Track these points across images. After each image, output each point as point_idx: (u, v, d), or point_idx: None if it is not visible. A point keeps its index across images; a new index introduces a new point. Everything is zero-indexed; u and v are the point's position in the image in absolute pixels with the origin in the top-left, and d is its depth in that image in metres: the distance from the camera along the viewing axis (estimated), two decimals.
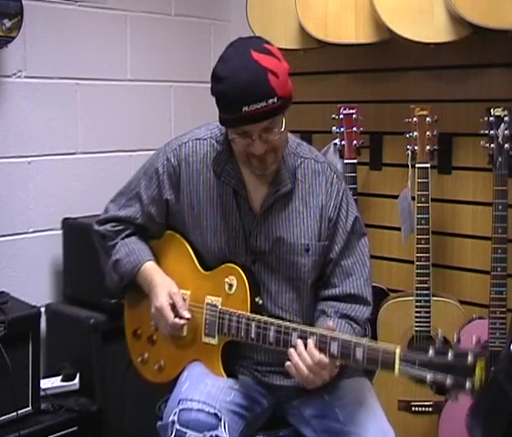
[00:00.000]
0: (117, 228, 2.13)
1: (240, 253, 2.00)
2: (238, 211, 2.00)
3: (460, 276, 2.97)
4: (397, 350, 1.72)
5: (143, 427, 2.68)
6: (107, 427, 2.68)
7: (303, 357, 1.80)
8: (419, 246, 2.68)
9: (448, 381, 1.66)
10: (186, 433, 1.79)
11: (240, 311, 1.93)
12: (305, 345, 1.81)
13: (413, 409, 2.75)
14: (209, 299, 1.99)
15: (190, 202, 2.03)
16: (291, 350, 1.82)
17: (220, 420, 1.82)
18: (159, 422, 1.92)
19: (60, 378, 2.70)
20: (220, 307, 1.97)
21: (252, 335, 1.90)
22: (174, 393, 1.93)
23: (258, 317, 1.91)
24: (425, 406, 2.74)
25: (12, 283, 2.79)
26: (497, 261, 2.54)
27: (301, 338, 1.83)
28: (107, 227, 2.14)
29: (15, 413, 2.41)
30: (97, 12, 3.08)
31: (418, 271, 2.68)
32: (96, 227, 2.17)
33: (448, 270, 2.99)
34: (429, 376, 1.68)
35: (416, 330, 2.72)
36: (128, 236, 2.12)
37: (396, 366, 1.71)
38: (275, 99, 1.79)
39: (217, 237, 2.01)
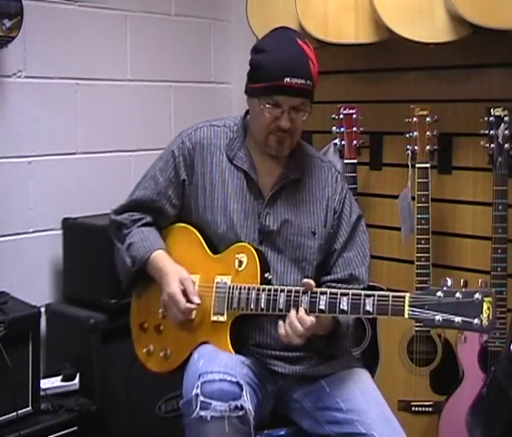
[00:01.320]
0: (134, 218, 2.17)
1: (249, 233, 2.06)
2: (248, 192, 2.08)
3: (460, 276, 2.96)
4: (407, 296, 1.77)
5: (143, 427, 2.69)
6: (107, 427, 2.68)
7: (294, 326, 1.87)
8: (419, 246, 2.68)
9: (457, 320, 1.70)
10: (211, 404, 1.80)
11: (250, 284, 1.97)
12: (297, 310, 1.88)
13: (413, 409, 2.75)
14: (218, 278, 2.03)
15: (203, 183, 2.10)
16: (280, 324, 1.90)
17: (243, 389, 1.84)
18: (181, 400, 1.90)
19: (60, 378, 2.70)
20: (229, 283, 2.00)
21: (262, 305, 1.94)
22: (190, 372, 1.92)
23: (268, 286, 1.95)
24: (425, 406, 2.74)
25: (12, 283, 2.79)
26: (497, 261, 2.54)
27: (311, 299, 1.88)
28: (125, 215, 2.18)
29: (15, 413, 2.40)
30: (97, 12, 3.08)
31: (418, 271, 2.69)
32: (113, 216, 2.21)
33: (448, 270, 2.98)
34: (438, 317, 1.71)
35: (416, 330, 2.72)
36: (144, 225, 2.16)
37: (406, 310, 1.76)
38: (311, 83, 1.98)
39: (227, 216, 2.07)
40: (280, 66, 1.94)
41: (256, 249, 2.02)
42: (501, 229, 2.54)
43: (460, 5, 2.50)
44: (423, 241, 2.68)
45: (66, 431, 2.52)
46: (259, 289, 1.95)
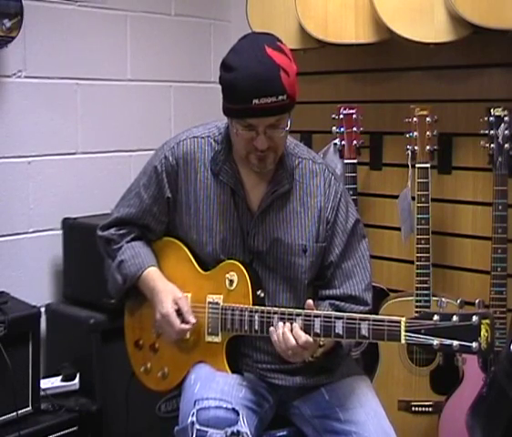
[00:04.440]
0: (121, 232, 2.13)
1: (238, 253, 2.01)
2: (236, 211, 2.01)
3: (460, 276, 2.97)
4: (402, 320, 1.74)
5: (143, 427, 2.69)
6: (107, 427, 2.68)
7: (286, 337, 1.82)
8: (419, 246, 2.68)
9: (455, 344, 1.68)
10: (207, 432, 1.77)
11: (242, 305, 1.93)
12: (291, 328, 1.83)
13: (413, 409, 2.75)
14: (210, 297, 2.00)
15: (187, 201, 2.04)
16: (272, 330, 1.85)
17: (239, 414, 1.81)
18: (177, 427, 1.89)
19: (60, 378, 2.70)
20: (221, 304, 1.97)
21: (256, 327, 1.91)
22: (186, 396, 1.91)
23: (261, 308, 1.91)
24: (425, 406, 2.74)
25: (12, 283, 2.79)
26: (497, 261, 2.54)
27: (305, 322, 1.83)
28: (112, 231, 2.14)
29: (15, 413, 2.40)
30: (97, 12, 3.08)
31: (418, 271, 2.68)
32: (99, 232, 2.16)
33: (448, 270, 2.98)
34: (435, 342, 1.70)
35: None
36: (133, 239, 2.12)
37: (402, 335, 1.74)
38: (285, 97, 1.83)
39: (213, 237, 2.02)
40: (247, 86, 1.80)
41: (246, 267, 1.97)
42: (501, 229, 2.54)
43: (460, 5, 2.50)
44: (423, 241, 2.67)
45: (66, 431, 2.53)
46: (251, 311, 1.91)
